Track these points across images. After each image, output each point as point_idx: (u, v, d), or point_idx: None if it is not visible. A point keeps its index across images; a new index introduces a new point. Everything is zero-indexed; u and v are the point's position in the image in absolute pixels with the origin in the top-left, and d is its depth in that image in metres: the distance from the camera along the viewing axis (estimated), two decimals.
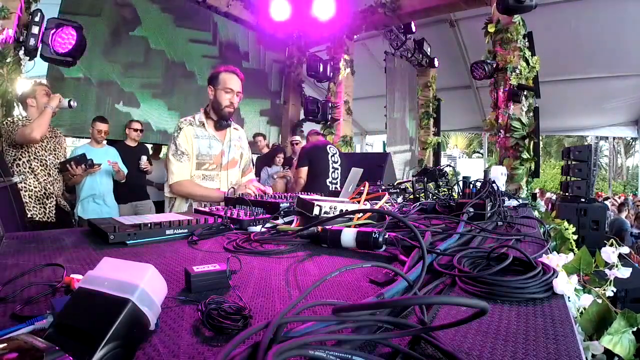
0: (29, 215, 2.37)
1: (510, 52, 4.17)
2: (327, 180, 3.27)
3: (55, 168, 2.52)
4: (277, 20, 5.79)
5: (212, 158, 1.92)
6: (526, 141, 4.07)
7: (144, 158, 3.78)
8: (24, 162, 2.39)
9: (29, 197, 2.39)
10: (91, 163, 2.76)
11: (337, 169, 3.36)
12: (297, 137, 5.08)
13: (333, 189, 3.23)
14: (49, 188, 2.47)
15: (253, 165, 2.29)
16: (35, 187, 2.42)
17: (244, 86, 1.96)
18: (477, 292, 0.58)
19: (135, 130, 3.88)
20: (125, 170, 3.51)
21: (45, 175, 2.46)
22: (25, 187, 2.37)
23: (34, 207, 2.41)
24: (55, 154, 2.53)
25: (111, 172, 3.48)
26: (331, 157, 3.35)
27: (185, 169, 1.85)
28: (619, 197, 10.50)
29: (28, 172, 2.38)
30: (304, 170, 3.30)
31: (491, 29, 4.31)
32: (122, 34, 4.50)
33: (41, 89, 2.52)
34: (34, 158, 2.40)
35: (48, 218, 2.48)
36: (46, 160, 2.46)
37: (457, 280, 0.63)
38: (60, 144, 2.63)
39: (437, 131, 7.84)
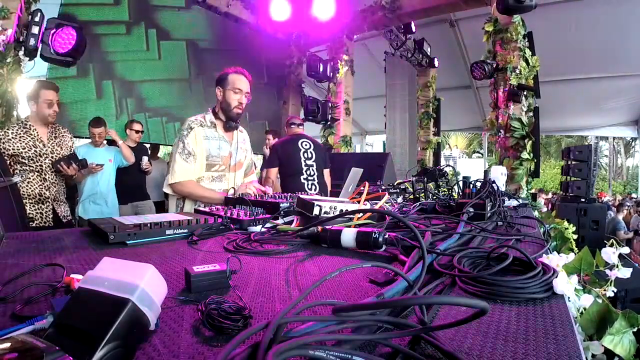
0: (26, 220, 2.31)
1: (510, 52, 4.16)
2: (302, 178, 3.05)
3: (51, 171, 2.41)
4: (277, 20, 5.79)
5: (221, 159, 1.92)
6: (526, 141, 4.07)
7: (144, 158, 3.78)
8: (14, 167, 2.31)
9: (24, 203, 2.30)
10: (84, 162, 2.63)
11: (312, 165, 3.10)
12: (270, 136, 4.65)
13: (310, 186, 3.06)
14: (44, 193, 2.39)
15: (255, 167, 2.26)
16: (30, 193, 2.35)
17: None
18: (477, 292, 0.58)
19: (137, 131, 3.87)
20: (129, 162, 3.53)
21: (40, 180, 2.37)
22: (21, 191, 2.29)
23: (29, 213, 2.35)
24: (51, 157, 2.41)
25: (114, 169, 3.50)
26: (303, 153, 3.09)
27: (189, 169, 1.83)
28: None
29: (21, 177, 2.30)
30: (273, 171, 3.06)
31: (489, 27, 4.30)
32: None
33: (45, 97, 2.36)
34: (26, 163, 2.31)
35: (45, 223, 2.41)
36: (41, 165, 2.36)
37: (457, 280, 0.63)
38: (61, 145, 2.50)
39: (437, 131, 7.84)
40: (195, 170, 1.86)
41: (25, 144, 2.33)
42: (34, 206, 2.38)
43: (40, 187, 2.38)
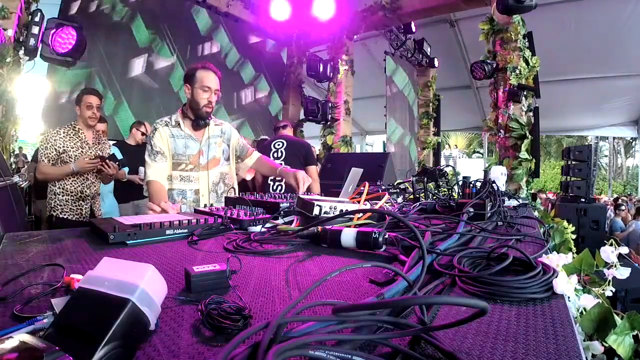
0: (63, 216, 2.53)
1: (510, 52, 4.16)
2: (268, 178, 3.11)
3: (93, 172, 2.64)
4: (277, 20, 5.79)
5: (188, 158, 1.87)
6: (525, 141, 4.07)
7: (141, 170, 3.60)
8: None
9: (66, 199, 2.55)
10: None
11: (280, 164, 3.18)
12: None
13: (275, 186, 3.10)
14: (85, 191, 2.62)
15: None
16: (72, 190, 2.57)
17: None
18: (477, 292, 0.58)
19: (143, 134, 3.79)
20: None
21: (82, 180, 2.60)
22: (63, 188, 2.54)
23: (70, 208, 2.57)
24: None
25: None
26: (273, 153, 3.14)
27: (160, 168, 1.81)
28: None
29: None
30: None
31: (483, 26, 4.30)
32: None
33: (87, 100, 2.56)
34: (72, 162, 2.52)
35: (84, 218, 2.60)
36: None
37: (457, 280, 0.63)
38: (102, 150, 2.73)
39: (437, 131, 7.84)
40: (166, 168, 1.84)
41: (74, 144, 2.57)
42: (75, 203, 2.60)
43: (82, 185, 2.62)
